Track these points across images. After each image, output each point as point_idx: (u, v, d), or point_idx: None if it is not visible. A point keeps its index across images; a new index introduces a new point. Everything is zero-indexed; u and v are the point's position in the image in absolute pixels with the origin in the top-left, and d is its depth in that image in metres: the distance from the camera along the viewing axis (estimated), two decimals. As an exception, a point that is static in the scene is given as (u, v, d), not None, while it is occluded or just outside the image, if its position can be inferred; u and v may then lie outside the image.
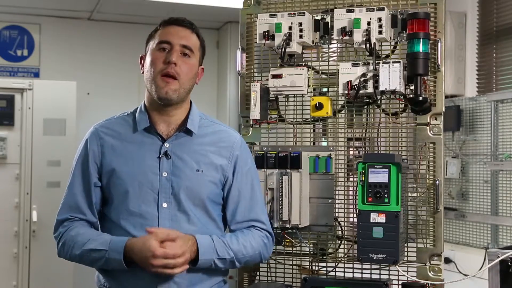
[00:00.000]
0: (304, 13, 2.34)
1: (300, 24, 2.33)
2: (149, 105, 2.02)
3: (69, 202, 2.00)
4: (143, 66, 2.03)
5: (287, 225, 2.32)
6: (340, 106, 2.42)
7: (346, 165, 2.40)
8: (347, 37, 2.26)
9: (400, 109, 2.33)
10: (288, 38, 2.32)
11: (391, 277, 2.26)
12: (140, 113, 2.02)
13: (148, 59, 1.99)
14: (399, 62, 2.21)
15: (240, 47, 2.51)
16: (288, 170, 2.34)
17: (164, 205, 1.94)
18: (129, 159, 1.96)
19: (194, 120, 2.03)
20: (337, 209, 2.37)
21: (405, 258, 2.23)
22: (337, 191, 2.37)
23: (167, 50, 1.96)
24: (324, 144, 2.50)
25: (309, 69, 2.41)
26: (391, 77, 2.20)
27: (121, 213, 1.94)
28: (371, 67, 2.24)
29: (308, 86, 2.40)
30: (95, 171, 1.99)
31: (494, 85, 4.49)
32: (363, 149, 2.40)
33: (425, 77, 2.23)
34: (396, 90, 2.21)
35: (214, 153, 2.01)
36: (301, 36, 2.33)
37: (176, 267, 1.81)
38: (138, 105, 2.08)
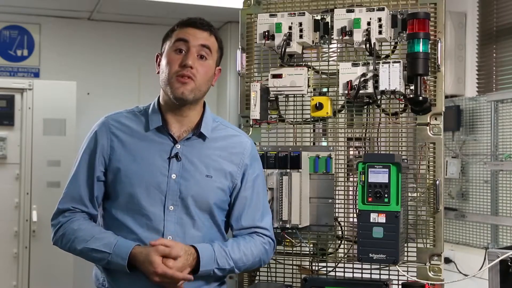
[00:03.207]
0: (304, 13, 2.34)
1: (300, 24, 2.33)
2: (163, 104, 2.00)
3: (72, 193, 1.97)
4: (158, 65, 2.01)
5: (287, 225, 2.32)
6: (340, 106, 2.42)
7: (346, 165, 2.40)
8: (347, 37, 2.26)
9: (400, 109, 2.33)
10: (288, 38, 2.32)
11: (391, 277, 2.26)
12: (153, 112, 1.99)
13: (164, 60, 1.97)
14: (399, 62, 2.20)
15: (240, 47, 2.51)
16: (288, 170, 2.34)
17: (171, 208, 1.92)
18: (138, 157, 1.94)
19: (208, 124, 2.01)
20: (337, 209, 2.37)
21: (405, 258, 2.23)
22: (337, 191, 2.37)
23: (183, 52, 1.94)
24: (324, 144, 2.49)
25: (309, 69, 2.41)
26: (391, 77, 2.20)
27: (126, 211, 1.93)
28: (371, 67, 2.24)
29: (308, 86, 2.40)
30: (102, 165, 1.96)
31: (494, 85, 4.49)
32: (363, 149, 2.40)
33: (425, 77, 2.23)
34: (396, 90, 2.20)
35: (225, 159, 2.00)
36: (301, 36, 2.33)
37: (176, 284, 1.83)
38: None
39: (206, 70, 1.96)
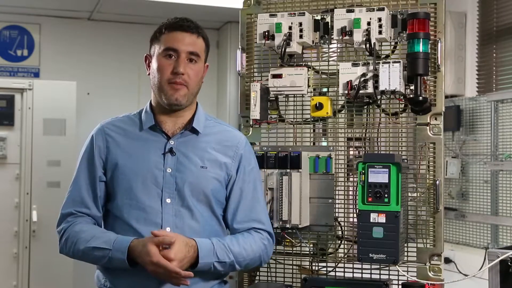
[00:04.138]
0: (304, 13, 2.34)
1: (300, 24, 2.33)
2: (155, 106, 2.04)
3: (74, 196, 2.01)
4: (148, 67, 2.05)
5: (287, 225, 2.32)
6: (340, 106, 2.42)
7: (346, 165, 2.40)
8: (347, 37, 2.26)
9: (400, 109, 2.33)
10: (288, 38, 2.32)
11: (391, 277, 2.26)
12: (145, 113, 2.05)
13: (154, 65, 2.00)
14: (399, 62, 2.20)
15: (240, 47, 2.51)
16: (288, 170, 2.34)
17: (168, 200, 1.95)
18: (133, 154, 1.98)
19: (200, 120, 2.05)
20: (337, 209, 2.37)
21: (405, 258, 2.23)
22: (337, 191, 2.37)
23: (173, 57, 1.97)
24: (324, 144, 2.50)
25: (309, 69, 2.41)
26: (391, 77, 2.20)
27: (124, 207, 1.96)
28: (371, 67, 2.24)
29: (308, 86, 2.40)
30: (100, 165, 2.00)
31: (494, 85, 4.49)
32: (363, 149, 2.40)
33: (425, 77, 2.23)
34: (396, 90, 2.21)
35: (219, 152, 2.03)
36: (301, 36, 2.33)
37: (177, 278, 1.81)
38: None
39: (196, 72, 2.01)
